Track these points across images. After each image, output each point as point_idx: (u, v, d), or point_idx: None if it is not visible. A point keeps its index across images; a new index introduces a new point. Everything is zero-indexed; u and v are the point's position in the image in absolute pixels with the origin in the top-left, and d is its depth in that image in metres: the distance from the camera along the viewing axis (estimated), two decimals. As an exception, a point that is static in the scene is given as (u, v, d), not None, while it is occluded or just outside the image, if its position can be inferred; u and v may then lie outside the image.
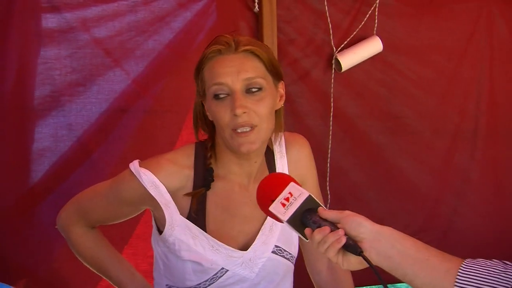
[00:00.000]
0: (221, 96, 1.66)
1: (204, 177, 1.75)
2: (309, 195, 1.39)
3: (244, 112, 1.63)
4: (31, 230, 2.46)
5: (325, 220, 1.37)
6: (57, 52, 2.46)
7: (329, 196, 2.94)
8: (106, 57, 2.52)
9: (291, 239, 1.85)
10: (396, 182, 3.11)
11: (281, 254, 1.82)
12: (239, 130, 1.64)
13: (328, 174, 2.93)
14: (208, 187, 1.75)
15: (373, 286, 3.13)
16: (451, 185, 3.20)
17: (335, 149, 2.99)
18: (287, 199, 1.39)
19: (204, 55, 1.70)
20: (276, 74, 1.73)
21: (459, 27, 3.11)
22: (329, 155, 2.94)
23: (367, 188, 3.06)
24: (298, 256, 1.92)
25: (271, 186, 1.44)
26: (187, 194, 1.74)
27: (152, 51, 2.59)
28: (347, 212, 1.38)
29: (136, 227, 2.57)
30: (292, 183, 1.41)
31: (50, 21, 2.45)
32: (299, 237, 1.89)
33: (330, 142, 2.94)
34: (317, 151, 2.84)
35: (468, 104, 3.17)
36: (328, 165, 2.94)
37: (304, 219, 1.38)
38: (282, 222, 1.41)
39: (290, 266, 1.87)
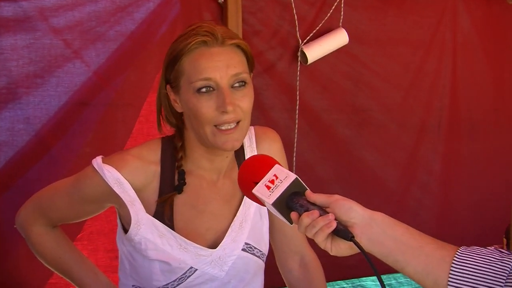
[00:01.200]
0: (206, 90, 1.60)
1: (172, 177, 1.70)
2: (296, 178, 1.34)
3: (233, 109, 1.59)
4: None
5: (313, 204, 1.32)
6: (13, 42, 2.36)
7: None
8: (66, 48, 2.43)
9: (261, 236, 1.82)
10: (362, 176, 3.12)
11: (252, 252, 1.78)
12: (223, 128, 1.60)
13: (294, 168, 2.90)
14: (180, 190, 1.70)
15: (338, 281, 3.13)
16: (416, 178, 3.23)
17: (301, 143, 2.97)
18: (272, 182, 1.34)
19: (186, 44, 1.62)
20: (252, 67, 1.70)
21: (424, 20, 3.14)
22: (294, 149, 2.92)
23: (333, 182, 3.06)
24: (269, 254, 1.88)
25: (254, 168, 1.39)
26: (160, 200, 1.69)
27: (114, 42, 2.51)
28: (337, 196, 1.34)
29: (96, 222, 2.49)
30: (277, 165, 1.36)
31: (5, 9, 2.34)
32: (270, 233, 1.87)
33: (296, 136, 2.91)
34: (283, 144, 2.83)
35: (432, 97, 3.21)
36: (294, 159, 2.91)
37: (290, 202, 1.33)
38: (265, 206, 1.36)
39: (261, 264, 1.83)
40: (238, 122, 1.62)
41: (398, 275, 3.23)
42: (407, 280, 3.26)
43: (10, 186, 2.38)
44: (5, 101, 2.37)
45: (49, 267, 1.89)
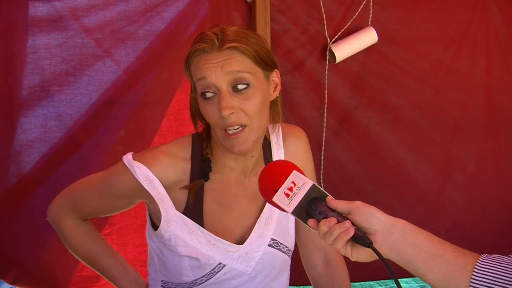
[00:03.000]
0: (208, 95, 1.60)
1: (201, 168, 1.72)
2: (313, 184, 1.35)
3: (232, 113, 1.58)
4: (20, 221, 2.44)
5: (333, 210, 1.33)
6: (47, 42, 2.42)
7: (322, 188, 2.91)
8: (96, 46, 2.48)
9: (287, 232, 1.84)
10: (394, 174, 3.08)
11: (278, 247, 1.80)
12: (230, 131, 1.60)
13: (322, 165, 2.90)
14: (206, 178, 1.71)
15: (370, 282, 3.11)
16: (450, 177, 3.18)
17: (331, 141, 2.97)
18: (290, 189, 1.35)
19: (188, 53, 1.64)
20: (267, 65, 1.66)
21: (454, 18, 3.10)
22: (323, 147, 2.92)
23: (364, 180, 3.04)
24: (295, 252, 1.91)
25: (273, 175, 1.39)
26: (185, 187, 1.70)
27: (143, 41, 2.55)
28: (358, 202, 1.34)
29: (125, 218, 2.55)
30: (294, 172, 1.37)
31: (39, 10, 2.41)
32: (295, 229, 1.89)
33: (324, 133, 2.92)
34: (313, 142, 2.81)
35: (466, 95, 3.16)
36: (322, 157, 2.92)
37: (309, 209, 1.35)
38: (287, 212, 1.37)
39: (286, 260, 1.85)
40: (243, 128, 1.61)
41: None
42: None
43: (43, 181, 2.45)
44: (38, 98, 2.43)
45: (79, 259, 1.92)
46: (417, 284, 3.26)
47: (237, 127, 1.60)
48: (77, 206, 1.84)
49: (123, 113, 2.54)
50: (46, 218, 1.92)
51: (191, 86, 1.71)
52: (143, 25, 2.54)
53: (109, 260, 1.90)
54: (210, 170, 1.71)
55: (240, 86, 1.59)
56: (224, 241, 1.72)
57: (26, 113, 2.41)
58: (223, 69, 1.57)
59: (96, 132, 2.50)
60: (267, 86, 1.67)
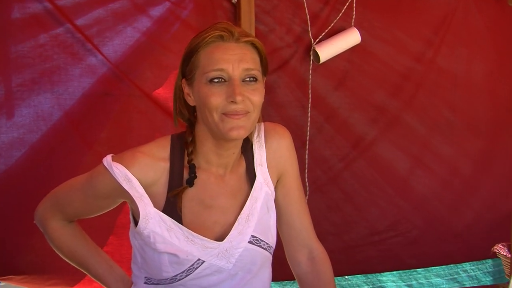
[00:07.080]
0: (218, 81, 1.61)
1: (180, 172, 1.70)
2: None
3: (242, 100, 1.60)
4: (5, 217, 2.41)
5: None
6: (37, 38, 2.42)
7: (307, 187, 2.89)
8: (86, 42, 2.48)
9: (268, 229, 1.79)
10: (379, 172, 3.06)
11: (258, 244, 1.75)
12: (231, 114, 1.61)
13: (306, 164, 2.88)
14: (191, 184, 1.69)
15: (357, 275, 3.10)
16: (437, 175, 3.16)
17: (316, 139, 2.92)
18: None
19: (203, 38, 1.63)
20: (265, 69, 1.70)
21: (435, 20, 3.06)
22: (307, 145, 2.89)
23: (349, 178, 3.01)
24: (279, 247, 1.87)
25: None
26: (172, 194, 1.69)
27: (131, 39, 2.54)
28: None
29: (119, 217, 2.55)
30: None
31: (28, 7, 2.40)
32: (279, 226, 1.86)
33: (308, 131, 2.88)
34: (297, 140, 2.81)
35: (447, 94, 3.14)
36: (307, 155, 2.88)
37: None
38: None
39: (268, 256, 1.80)
40: (247, 113, 1.62)
41: (419, 275, 3.16)
42: (428, 281, 3.19)
43: (33, 176, 2.44)
44: (29, 93, 2.44)
45: (66, 259, 1.90)
46: (404, 283, 3.24)
47: (241, 113, 1.61)
48: (62, 208, 1.82)
49: (116, 106, 2.55)
50: (34, 222, 1.90)
51: (182, 73, 1.69)
52: (131, 23, 2.53)
53: (95, 260, 1.89)
54: (196, 177, 1.69)
55: (250, 79, 1.62)
56: (202, 237, 1.68)
57: (17, 107, 2.40)
58: (240, 64, 1.60)
59: (88, 125, 2.51)
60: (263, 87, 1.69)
